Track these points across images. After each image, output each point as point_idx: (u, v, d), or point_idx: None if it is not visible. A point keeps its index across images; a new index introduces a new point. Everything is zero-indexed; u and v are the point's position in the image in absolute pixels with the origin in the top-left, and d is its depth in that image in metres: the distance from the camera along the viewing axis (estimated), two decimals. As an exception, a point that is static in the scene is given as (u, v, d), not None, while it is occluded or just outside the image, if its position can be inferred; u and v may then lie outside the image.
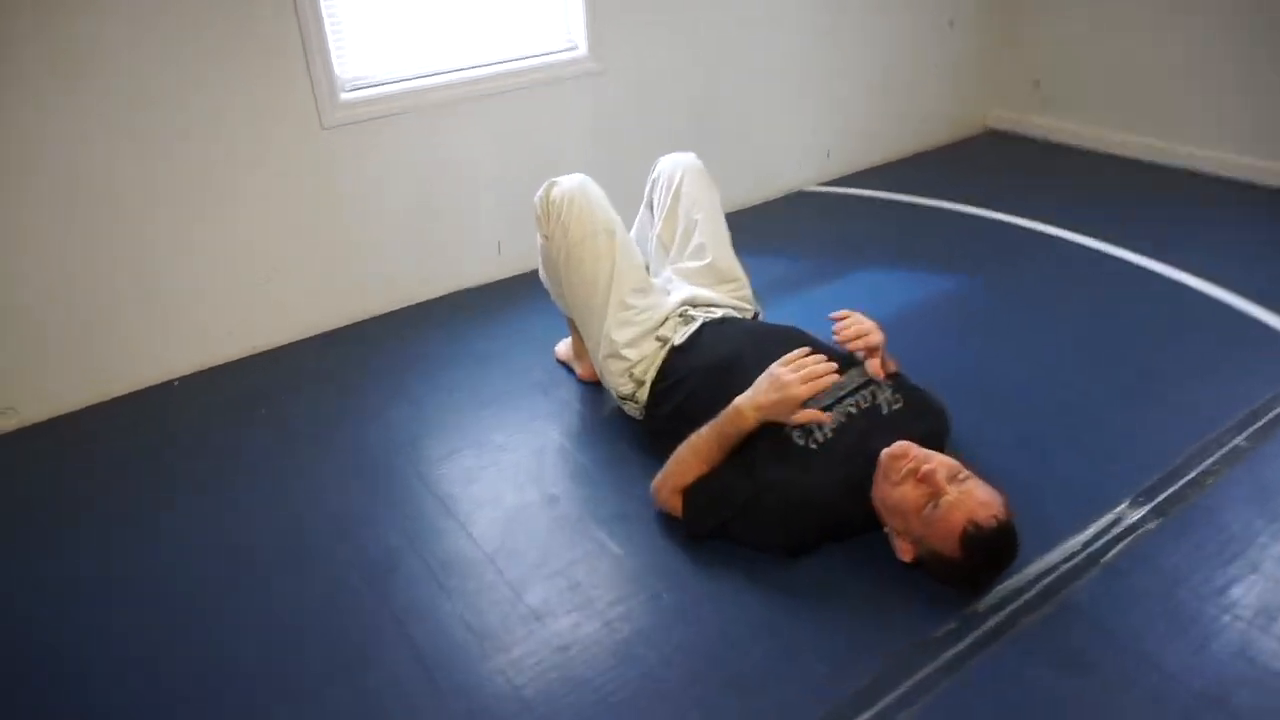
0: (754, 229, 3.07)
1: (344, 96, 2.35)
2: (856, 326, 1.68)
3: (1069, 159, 3.66)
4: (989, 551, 1.45)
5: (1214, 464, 1.81)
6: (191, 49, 2.12)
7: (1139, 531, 1.65)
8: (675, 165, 2.09)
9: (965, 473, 1.49)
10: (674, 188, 2.06)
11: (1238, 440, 1.88)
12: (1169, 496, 1.74)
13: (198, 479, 1.95)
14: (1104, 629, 1.45)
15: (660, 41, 2.86)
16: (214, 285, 2.34)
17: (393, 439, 2.04)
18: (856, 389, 1.70)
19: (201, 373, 2.38)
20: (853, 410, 1.66)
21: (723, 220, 2.11)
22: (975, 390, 2.07)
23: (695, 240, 2.04)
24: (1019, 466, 1.82)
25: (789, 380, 1.56)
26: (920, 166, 3.68)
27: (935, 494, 1.45)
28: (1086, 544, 1.63)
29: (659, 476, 1.69)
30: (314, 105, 2.30)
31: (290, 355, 2.45)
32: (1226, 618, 1.46)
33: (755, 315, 2.08)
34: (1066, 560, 1.60)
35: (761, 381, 1.60)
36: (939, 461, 1.50)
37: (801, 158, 3.45)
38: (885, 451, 1.55)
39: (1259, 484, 1.76)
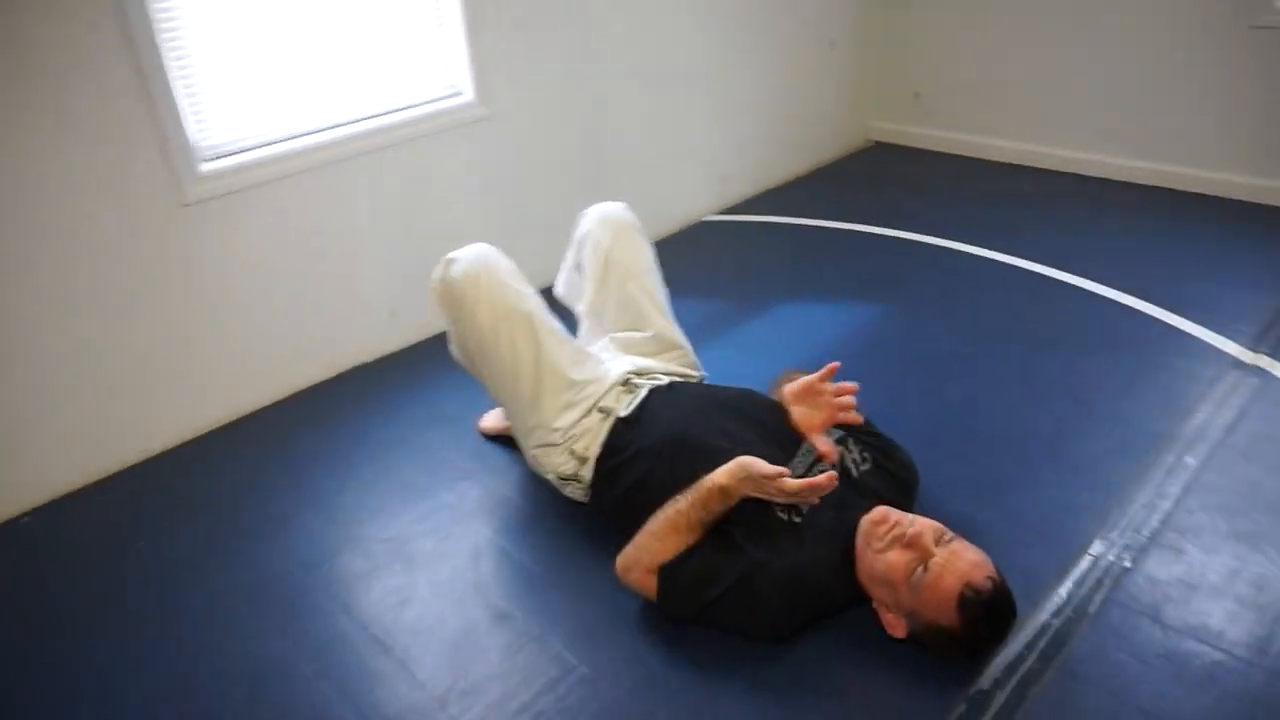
0: (661, 265, 2.94)
1: (204, 168, 2.06)
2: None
3: (954, 166, 3.72)
4: (989, 615, 1.36)
5: (1170, 486, 1.80)
6: (32, 129, 1.80)
7: (1116, 572, 1.60)
8: (604, 225, 1.91)
9: (949, 533, 1.40)
10: (603, 253, 1.89)
11: (1186, 459, 1.87)
12: (1136, 526, 1.70)
13: (67, 635, 1.63)
14: (1114, 693, 1.38)
15: (547, 82, 2.69)
16: (74, 394, 2.00)
17: (302, 560, 1.77)
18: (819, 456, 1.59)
19: (58, 502, 2.02)
20: None
21: (660, 283, 1.96)
22: (922, 426, 2.00)
23: (633, 311, 1.88)
24: (979, 510, 1.75)
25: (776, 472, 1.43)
26: (813, 186, 3.66)
27: (923, 558, 1.35)
28: (1070, 595, 1.57)
29: (627, 555, 1.51)
30: (170, 179, 2.00)
31: (168, 468, 2.12)
32: (1221, 656, 1.42)
33: (700, 379, 1.94)
34: (1055, 616, 1.52)
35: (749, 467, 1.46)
36: (923, 524, 1.41)
37: (697, 187, 3.35)
38: (865, 519, 1.45)
39: (1216, 503, 1.75)
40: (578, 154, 2.86)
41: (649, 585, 1.48)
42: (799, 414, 1.63)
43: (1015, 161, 3.64)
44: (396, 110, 2.39)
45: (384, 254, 2.47)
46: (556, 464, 1.72)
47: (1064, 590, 1.57)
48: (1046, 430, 2.02)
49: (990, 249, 2.90)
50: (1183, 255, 2.80)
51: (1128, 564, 1.62)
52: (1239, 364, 2.20)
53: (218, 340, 2.20)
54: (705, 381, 1.94)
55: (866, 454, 1.64)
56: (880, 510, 1.44)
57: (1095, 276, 2.65)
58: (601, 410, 1.70)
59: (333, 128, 2.28)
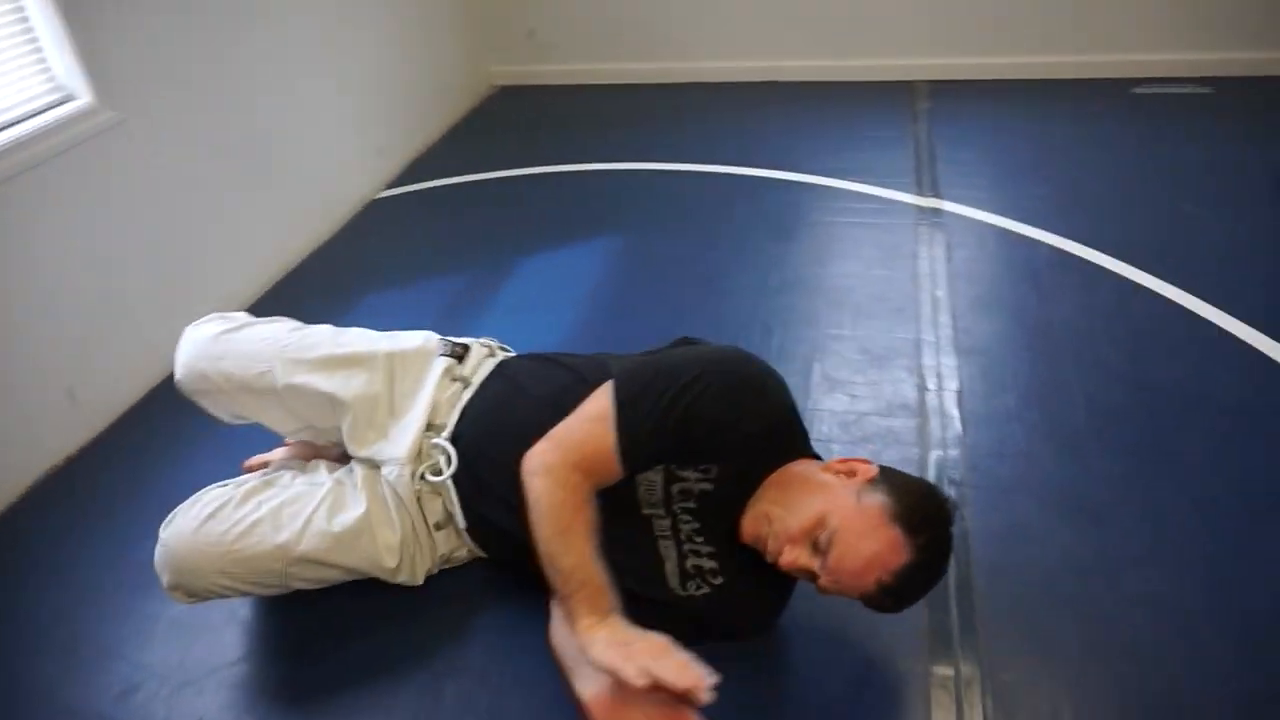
0: (359, 253, 2.63)
1: None
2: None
3: (588, 96, 3.80)
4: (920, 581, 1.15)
5: (942, 315, 2.09)
6: None
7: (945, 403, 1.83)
8: (192, 372, 1.44)
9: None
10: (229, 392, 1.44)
11: (937, 292, 2.18)
12: (939, 358, 1.95)
13: None
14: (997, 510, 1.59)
15: (183, 75, 2.17)
16: None
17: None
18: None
19: None
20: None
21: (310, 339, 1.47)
22: (732, 319, 2.06)
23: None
24: (828, 391, 1.88)
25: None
26: (462, 141, 3.50)
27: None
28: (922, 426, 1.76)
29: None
30: None
31: None
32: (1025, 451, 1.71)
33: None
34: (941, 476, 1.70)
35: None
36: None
37: (359, 164, 3.01)
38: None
39: (969, 300, 2.07)
40: (235, 154, 2.37)
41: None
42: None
43: (651, 81, 3.82)
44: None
45: (42, 318, 1.83)
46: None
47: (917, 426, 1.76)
48: (833, 295, 2.20)
49: (670, 162, 3.03)
50: (839, 136, 3.18)
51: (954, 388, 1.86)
52: (919, 208, 2.60)
53: None
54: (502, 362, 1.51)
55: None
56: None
57: (776, 166, 2.92)
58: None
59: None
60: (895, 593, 1.12)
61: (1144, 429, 1.71)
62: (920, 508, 1.12)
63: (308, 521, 1.29)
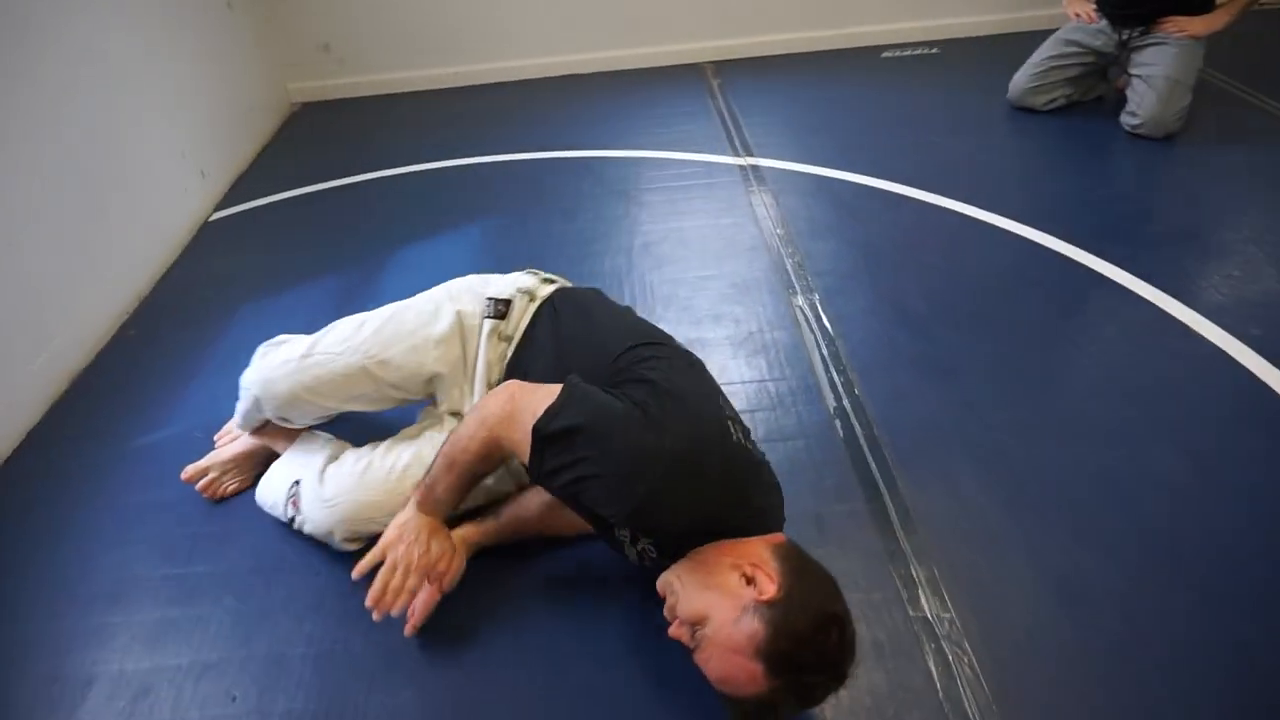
0: (218, 275, 2.61)
1: None
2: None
3: (396, 105, 3.86)
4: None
5: (791, 259, 2.44)
6: None
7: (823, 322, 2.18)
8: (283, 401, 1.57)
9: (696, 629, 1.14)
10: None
11: (783, 249, 2.55)
12: (810, 297, 2.30)
13: None
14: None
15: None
16: None
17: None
18: None
19: None
20: None
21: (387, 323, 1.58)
22: (620, 280, 2.30)
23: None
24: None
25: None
26: (282, 157, 3.45)
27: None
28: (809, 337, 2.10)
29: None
30: None
31: None
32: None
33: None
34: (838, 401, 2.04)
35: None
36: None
37: (185, 188, 2.91)
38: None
39: (825, 256, 2.45)
40: (58, 185, 2.25)
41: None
42: None
43: (453, 85, 3.94)
44: None
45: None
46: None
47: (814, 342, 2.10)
48: (693, 245, 2.50)
49: (503, 154, 3.20)
50: (650, 115, 3.48)
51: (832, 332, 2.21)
52: (740, 167, 2.97)
53: None
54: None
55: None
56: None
57: (604, 147, 3.19)
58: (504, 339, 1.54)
59: None
60: (740, 709, 1.12)
61: (963, 305, 2.16)
62: (793, 652, 1.07)
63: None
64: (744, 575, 1.12)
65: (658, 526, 1.21)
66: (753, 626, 1.07)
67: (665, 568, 1.22)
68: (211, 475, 1.69)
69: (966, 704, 1.28)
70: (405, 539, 1.32)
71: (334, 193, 3.07)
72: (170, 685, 1.38)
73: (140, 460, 1.83)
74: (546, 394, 1.25)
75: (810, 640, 1.07)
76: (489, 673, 1.37)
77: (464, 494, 1.35)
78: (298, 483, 1.55)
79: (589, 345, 1.42)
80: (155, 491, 1.73)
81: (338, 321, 1.58)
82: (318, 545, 1.58)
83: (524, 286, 1.56)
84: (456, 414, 1.55)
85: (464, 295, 1.57)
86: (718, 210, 2.71)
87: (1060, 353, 1.99)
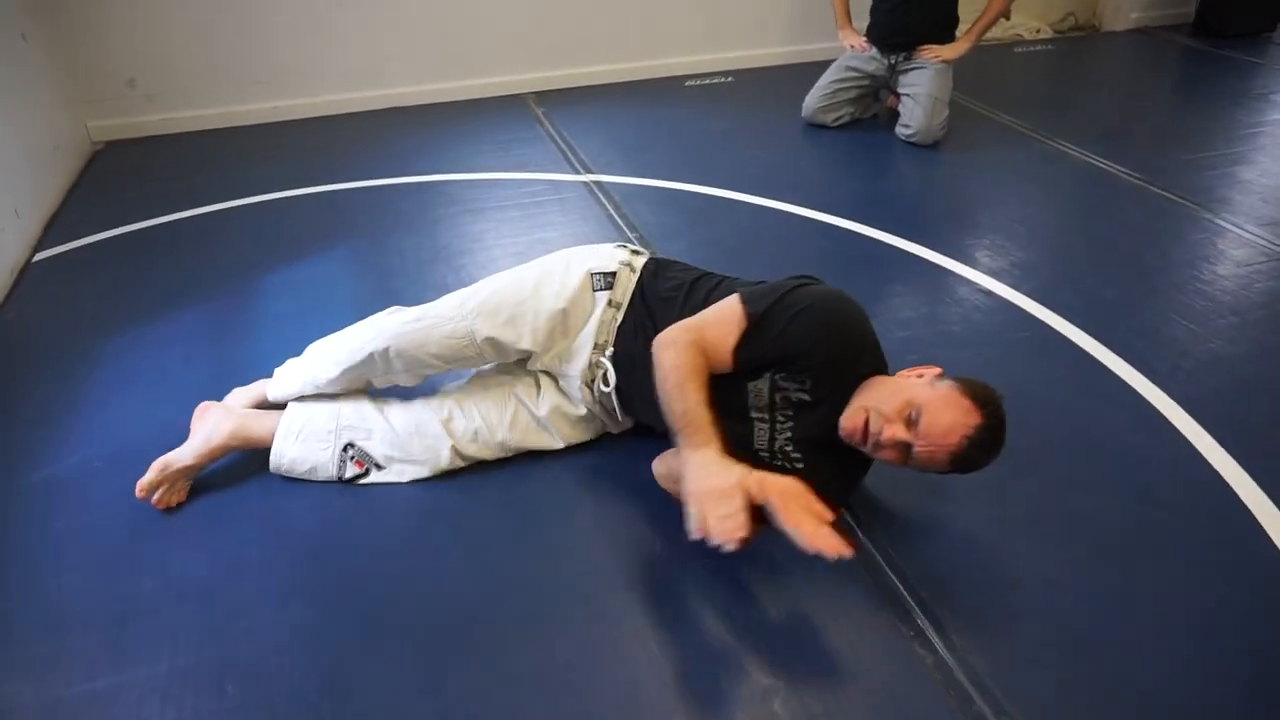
0: (67, 313, 2.50)
1: None
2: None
3: (208, 141, 3.76)
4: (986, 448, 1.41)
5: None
6: None
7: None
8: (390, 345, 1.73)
9: (916, 401, 1.41)
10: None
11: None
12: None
13: None
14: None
15: None
16: None
17: None
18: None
19: None
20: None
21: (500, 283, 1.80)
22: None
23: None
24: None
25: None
26: (93, 198, 3.26)
27: (905, 455, 1.42)
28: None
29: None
30: None
31: None
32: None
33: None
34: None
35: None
36: (891, 425, 1.41)
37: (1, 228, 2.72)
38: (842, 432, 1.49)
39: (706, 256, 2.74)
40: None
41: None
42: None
43: (268, 120, 3.89)
44: None
45: None
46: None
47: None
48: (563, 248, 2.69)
49: (341, 183, 3.24)
50: (485, 141, 3.64)
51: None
52: (584, 183, 3.22)
53: None
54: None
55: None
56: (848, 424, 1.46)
57: (449, 171, 3.33)
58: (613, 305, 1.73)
59: None
60: (977, 443, 1.37)
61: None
62: (980, 389, 1.41)
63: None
64: (909, 376, 1.49)
65: (842, 349, 1.49)
66: (947, 384, 1.43)
67: (798, 440, 1.52)
68: (164, 489, 1.67)
69: None
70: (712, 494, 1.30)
71: (166, 228, 2.96)
72: (154, 692, 1.38)
73: (49, 491, 1.75)
74: (713, 309, 1.53)
75: (982, 383, 1.43)
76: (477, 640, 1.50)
77: (707, 394, 1.42)
78: (350, 445, 1.72)
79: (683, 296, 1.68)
80: (79, 517, 1.68)
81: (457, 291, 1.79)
82: (274, 540, 1.62)
83: (623, 260, 1.77)
84: (547, 373, 1.81)
85: (575, 267, 1.75)
86: (575, 220, 2.93)
87: (870, 306, 2.39)
